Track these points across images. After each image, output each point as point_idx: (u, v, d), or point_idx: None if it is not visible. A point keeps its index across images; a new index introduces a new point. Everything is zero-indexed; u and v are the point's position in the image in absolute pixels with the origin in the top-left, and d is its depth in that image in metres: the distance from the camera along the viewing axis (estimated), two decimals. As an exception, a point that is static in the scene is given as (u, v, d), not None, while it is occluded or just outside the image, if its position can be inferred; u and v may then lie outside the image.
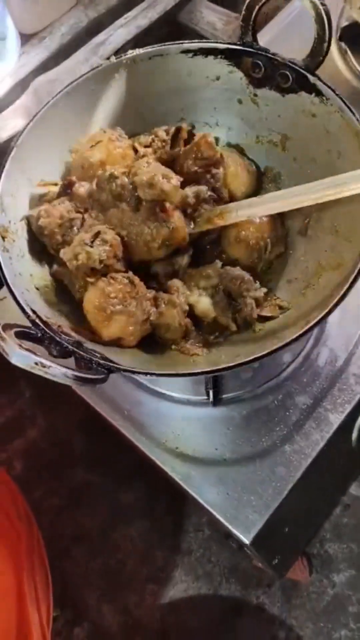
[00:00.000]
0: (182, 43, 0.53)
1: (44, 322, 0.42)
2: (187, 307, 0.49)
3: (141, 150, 0.53)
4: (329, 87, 0.48)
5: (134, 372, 0.42)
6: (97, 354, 0.42)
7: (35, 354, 0.37)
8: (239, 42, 0.52)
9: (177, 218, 0.49)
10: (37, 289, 0.48)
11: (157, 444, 0.56)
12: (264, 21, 0.81)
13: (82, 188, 0.51)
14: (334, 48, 0.72)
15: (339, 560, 0.88)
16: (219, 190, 0.52)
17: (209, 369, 0.42)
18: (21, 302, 0.42)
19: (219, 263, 0.51)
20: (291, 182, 0.54)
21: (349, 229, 0.47)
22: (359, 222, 0.46)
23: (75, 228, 0.50)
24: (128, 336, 0.47)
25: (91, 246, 0.47)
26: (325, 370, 0.57)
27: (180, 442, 0.55)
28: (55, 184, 0.53)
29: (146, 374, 0.41)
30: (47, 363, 0.37)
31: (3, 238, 0.46)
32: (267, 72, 0.52)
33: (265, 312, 0.49)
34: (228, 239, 0.52)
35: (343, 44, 0.72)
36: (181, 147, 0.53)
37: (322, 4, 0.47)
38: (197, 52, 0.53)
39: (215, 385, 0.56)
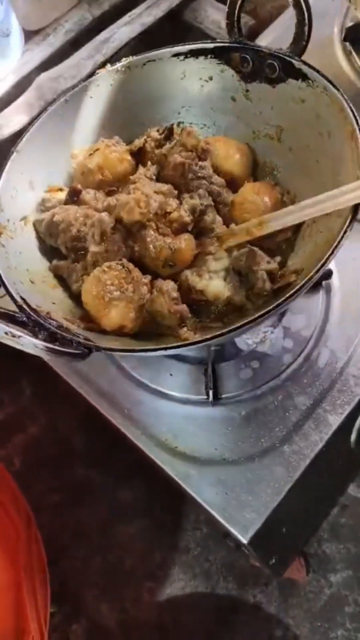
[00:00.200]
0: (173, 46, 0.55)
1: (32, 309, 0.42)
2: (175, 295, 0.48)
3: (133, 176, 0.53)
4: (313, 69, 0.49)
5: (112, 350, 0.43)
6: (80, 336, 0.42)
7: (6, 324, 0.38)
8: (226, 40, 0.53)
9: (182, 240, 0.49)
10: (32, 282, 0.48)
11: (156, 443, 0.56)
12: (269, 20, 0.81)
13: (87, 195, 0.52)
14: (338, 48, 0.72)
15: (336, 560, 0.88)
16: (216, 190, 0.52)
17: (186, 343, 0.42)
18: (10, 289, 0.43)
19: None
20: (288, 173, 0.55)
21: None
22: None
23: (89, 224, 0.50)
24: (129, 322, 0.47)
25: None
26: (325, 371, 0.57)
27: (180, 441, 0.56)
28: (61, 189, 0.54)
29: (124, 350, 0.42)
30: (17, 333, 0.38)
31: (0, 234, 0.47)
32: (256, 65, 0.53)
33: (282, 283, 0.48)
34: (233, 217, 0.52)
35: (347, 45, 0.72)
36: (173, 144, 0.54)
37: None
38: (187, 55, 0.55)
39: (215, 385, 0.57)
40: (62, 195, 0.53)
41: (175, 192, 0.51)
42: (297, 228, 0.51)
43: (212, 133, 0.58)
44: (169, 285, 0.48)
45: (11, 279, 0.45)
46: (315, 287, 0.59)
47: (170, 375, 0.59)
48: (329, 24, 0.73)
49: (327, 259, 0.41)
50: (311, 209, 0.46)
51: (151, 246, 0.48)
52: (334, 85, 0.47)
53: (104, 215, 0.49)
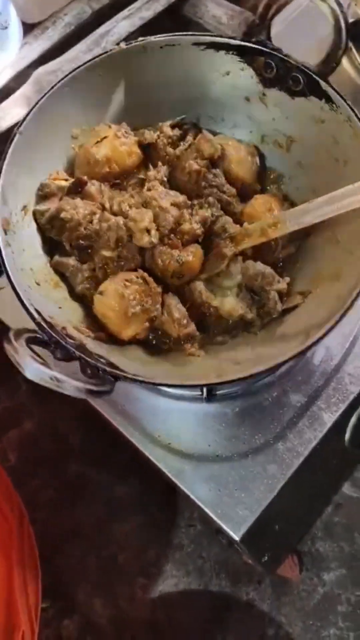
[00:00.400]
0: (194, 34, 0.52)
1: (49, 324, 0.42)
2: (185, 321, 0.48)
3: (148, 183, 0.52)
4: (340, 95, 0.48)
5: (140, 382, 0.42)
6: (102, 360, 0.42)
7: (49, 368, 0.38)
8: (253, 40, 0.51)
9: (189, 252, 0.49)
10: (38, 284, 0.47)
11: (150, 439, 0.56)
12: (270, 16, 0.80)
13: (93, 187, 0.51)
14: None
15: (329, 559, 0.88)
16: (225, 199, 0.52)
17: (216, 381, 0.42)
18: (26, 302, 0.42)
19: (240, 260, 0.50)
20: (294, 186, 0.54)
21: (350, 239, 0.47)
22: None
23: (94, 222, 0.49)
24: (143, 332, 0.47)
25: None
26: (320, 369, 0.57)
27: (173, 437, 0.55)
28: (65, 180, 0.53)
29: (152, 384, 0.42)
30: (62, 378, 0.38)
31: (5, 231, 0.46)
32: (279, 73, 0.51)
33: (288, 304, 0.49)
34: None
35: (348, 41, 0.71)
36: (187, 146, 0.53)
37: (342, 12, 0.47)
38: (208, 46, 0.52)
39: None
40: (62, 183, 0.52)
41: (189, 202, 0.51)
42: (300, 245, 0.51)
43: (218, 127, 0.57)
44: (179, 313, 0.48)
45: (22, 286, 0.44)
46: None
47: (165, 371, 0.58)
48: (329, 20, 0.73)
49: (337, 322, 0.41)
50: (329, 206, 0.45)
51: (159, 260, 0.48)
52: (358, 118, 0.46)
53: (121, 221, 0.49)
